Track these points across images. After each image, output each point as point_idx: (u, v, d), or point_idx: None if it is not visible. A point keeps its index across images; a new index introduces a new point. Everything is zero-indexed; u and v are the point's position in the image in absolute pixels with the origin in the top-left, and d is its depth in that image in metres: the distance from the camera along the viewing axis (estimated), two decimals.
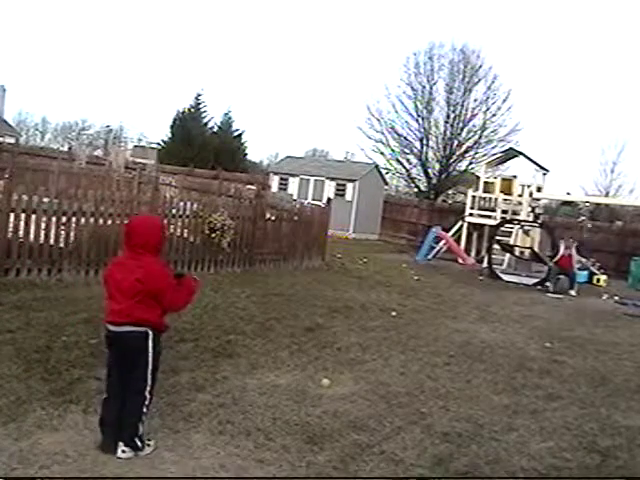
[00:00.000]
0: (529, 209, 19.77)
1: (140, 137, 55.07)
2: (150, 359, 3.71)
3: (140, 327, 3.67)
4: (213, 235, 10.29)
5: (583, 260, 16.56)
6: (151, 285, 3.63)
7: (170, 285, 3.72)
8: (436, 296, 11.43)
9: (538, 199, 20.33)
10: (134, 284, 3.61)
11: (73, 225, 8.36)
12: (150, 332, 3.69)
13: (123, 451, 3.66)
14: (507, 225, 18.42)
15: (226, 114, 39.54)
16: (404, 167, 31.39)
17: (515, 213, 20.06)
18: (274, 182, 25.00)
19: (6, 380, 4.58)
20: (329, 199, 17.03)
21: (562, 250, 14.90)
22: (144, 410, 3.74)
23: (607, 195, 33.98)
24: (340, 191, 23.56)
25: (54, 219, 8.15)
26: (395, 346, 7.09)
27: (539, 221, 19.29)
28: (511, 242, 18.15)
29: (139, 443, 3.70)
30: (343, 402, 5.05)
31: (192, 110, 38.56)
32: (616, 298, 14.25)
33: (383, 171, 27.47)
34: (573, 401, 5.76)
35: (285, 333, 7.04)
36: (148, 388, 3.74)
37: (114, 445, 3.68)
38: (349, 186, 23.62)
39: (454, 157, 30.51)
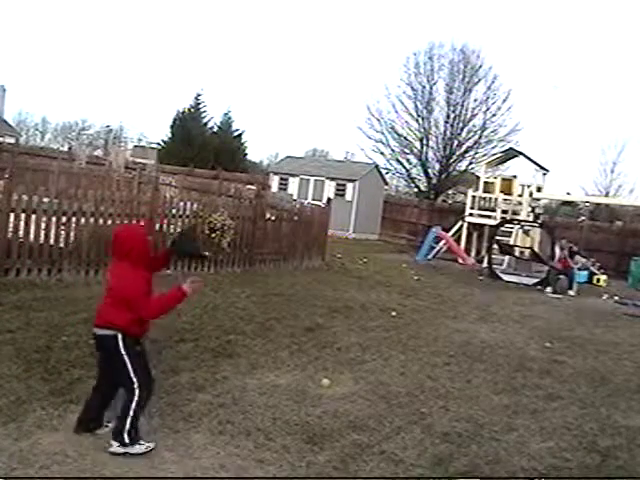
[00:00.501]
0: (529, 209, 19.77)
1: (140, 137, 55.10)
2: (127, 359, 3.78)
3: (110, 330, 3.81)
4: (213, 235, 10.24)
5: (583, 260, 16.56)
6: (123, 293, 3.79)
7: (141, 295, 3.82)
8: (436, 296, 11.43)
9: (538, 199, 20.32)
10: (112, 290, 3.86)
11: (73, 225, 8.36)
12: (120, 335, 3.79)
13: (111, 445, 3.73)
14: (507, 225, 18.41)
15: (226, 114, 39.57)
16: (404, 167, 31.37)
17: (515, 213, 20.05)
18: (274, 182, 24.99)
19: (6, 380, 4.59)
20: (329, 199, 17.02)
21: (558, 252, 14.95)
22: (134, 406, 3.75)
23: (607, 195, 33.96)
24: (340, 191, 23.54)
25: (54, 219, 8.15)
26: (395, 346, 7.10)
27: (539, 221, 19.30)
28: (511, 242, 18.15)
29: (127, 439, 3.72)
30: (343, 402, 5.05)
31: (192, 110, 38.54)
32: (616, 298, 14.25)
33: (383, 171, 27.47)
34: (573, 401, 5.77)
35: (285, 333, 7.04)
36: (136, 385, 3.76)
37: (84, 429, 3.90)
38: (349, 186, 23.61)
39: (454, 157, 30.46)
